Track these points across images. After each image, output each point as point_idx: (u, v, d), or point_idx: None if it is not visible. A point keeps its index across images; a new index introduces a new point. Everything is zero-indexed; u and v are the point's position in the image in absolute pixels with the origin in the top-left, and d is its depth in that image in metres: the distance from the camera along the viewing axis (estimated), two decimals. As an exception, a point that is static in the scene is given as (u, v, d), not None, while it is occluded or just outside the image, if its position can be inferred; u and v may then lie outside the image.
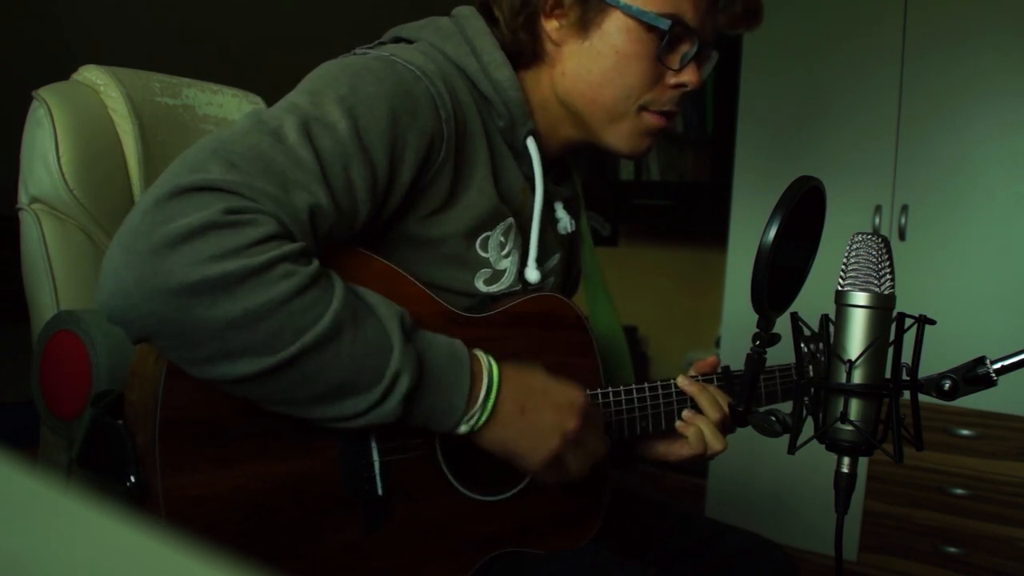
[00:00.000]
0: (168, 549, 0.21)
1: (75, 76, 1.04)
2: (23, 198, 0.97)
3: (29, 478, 0.24)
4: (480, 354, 0.77)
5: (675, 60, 0.89)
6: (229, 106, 1.15)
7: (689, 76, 0.90)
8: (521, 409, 0.77)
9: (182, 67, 1.19)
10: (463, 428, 0.75)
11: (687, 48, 0.89)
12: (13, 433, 0.89)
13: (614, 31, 0.87)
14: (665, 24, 0.86)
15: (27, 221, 0.96)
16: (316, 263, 0.68)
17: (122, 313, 0.62)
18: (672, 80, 0.90)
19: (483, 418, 0.75)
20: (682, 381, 0.95)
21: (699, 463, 1.02)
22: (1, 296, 1.33)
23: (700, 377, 0.97)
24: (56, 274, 0.94)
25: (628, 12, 0.86)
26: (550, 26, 0.89)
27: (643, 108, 0.91)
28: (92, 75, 1.02)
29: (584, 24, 0.88)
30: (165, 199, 0.62)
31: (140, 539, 0.22)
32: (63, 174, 0.94)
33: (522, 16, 0.88)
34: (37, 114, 0.96)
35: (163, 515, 0.66)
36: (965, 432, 2.08)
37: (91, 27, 2.05)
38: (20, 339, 1.04)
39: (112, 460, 0.71)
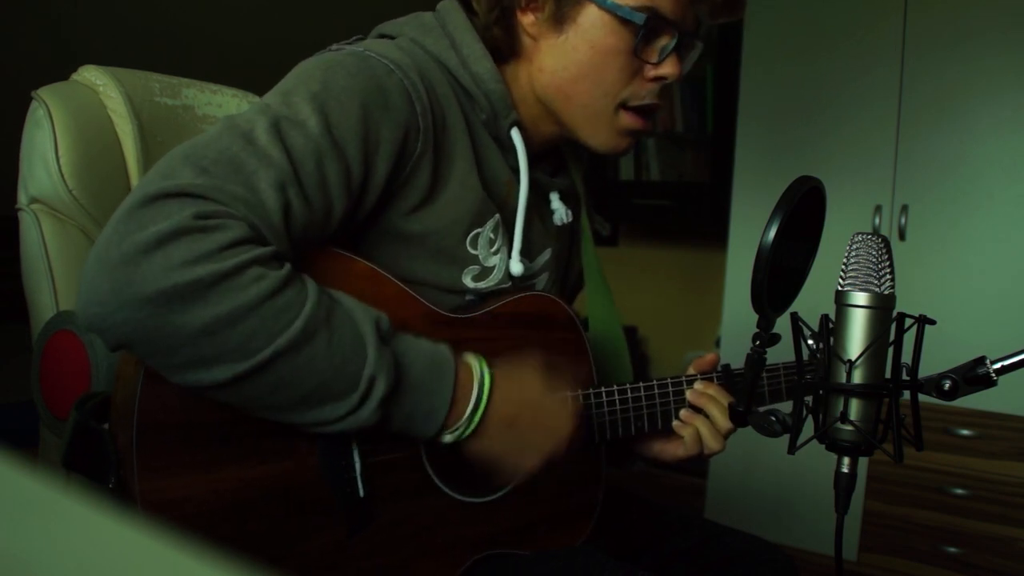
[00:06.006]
0: (168, 549, 0.21)
1: (74, 76, 1.04)
2: (22, 198, 0.97)
3: (29, 478, 0.24)
4: (472, 361, 0.76)
5: (653, 53, 0.88)
6: (229, 106, 1.14)
7: (668, 68, 0.88)
8: (510, 424, 0.77)
9: (182, 67, 1.19)
10: (448, 437, 0.74)
11: (666, 41, 0.87)
12: (13, 433, 0.89)
13: (589, 25, 0.86)
14: (640, 18, 0.84)
15: (26, 221, 0.96)
16: (288, 266, 0.67)
17: (100, 321, 0.62)
18: (651, 73, 0.89)
19: (470, 429, 0.74)
20: (692, 396, 0.93)
21: (697, 462, 1.02)
22: (1, 296, 1.33)
23: (700, 376, 0.96)
24: (56, 274, 0.94)
25: (603, 6, 0.85)
26: (526, 20, 0.88)
27: (622, 106, 0.90)
28: (91, 75, 1.02)
29: (559, 19, 0.87)
30: (136, 207, 0.62)
31: (140, 539, 0.22)
32: (62, 174, 0.94)
33: (496, 11, 0.87)
34: (36, 114, 0.96)
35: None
36: (965, 432, 2.08)
37: (90, 27, 2.05)
38: (20, 339, 1.04)
39: (95, 463, 0.71)
